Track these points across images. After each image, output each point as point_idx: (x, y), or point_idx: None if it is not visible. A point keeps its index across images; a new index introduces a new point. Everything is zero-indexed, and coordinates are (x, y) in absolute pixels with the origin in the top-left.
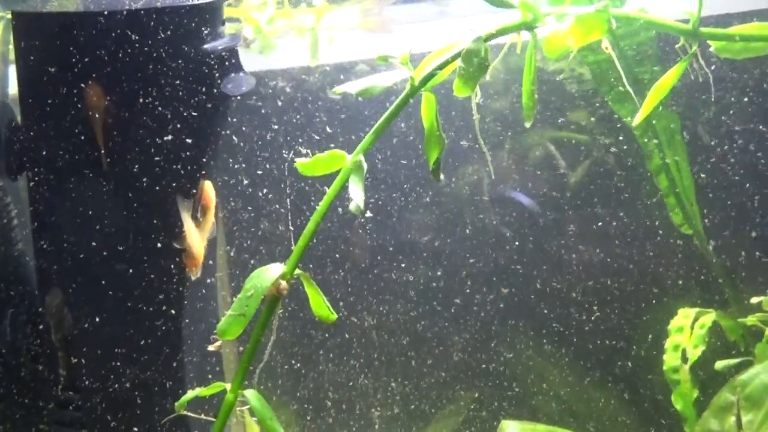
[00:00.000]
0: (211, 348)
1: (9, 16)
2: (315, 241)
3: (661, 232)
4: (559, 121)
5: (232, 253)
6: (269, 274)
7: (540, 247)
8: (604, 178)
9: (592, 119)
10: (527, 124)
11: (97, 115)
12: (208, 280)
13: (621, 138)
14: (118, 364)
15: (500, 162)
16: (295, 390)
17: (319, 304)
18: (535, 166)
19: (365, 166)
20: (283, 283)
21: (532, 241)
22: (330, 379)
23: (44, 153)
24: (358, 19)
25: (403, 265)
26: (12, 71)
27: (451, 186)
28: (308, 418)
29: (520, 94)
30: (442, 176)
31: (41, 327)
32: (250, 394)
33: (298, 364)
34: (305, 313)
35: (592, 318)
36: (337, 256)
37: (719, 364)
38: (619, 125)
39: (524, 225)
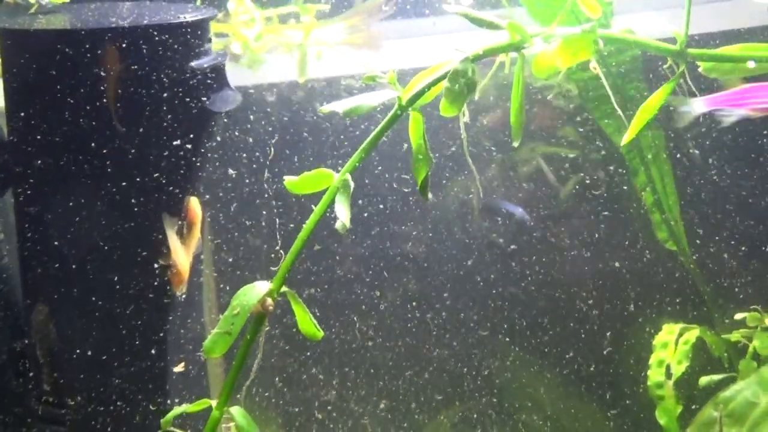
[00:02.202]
0: (176, 369)
1: None
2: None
3: (646, 247)
4: (548, 135)
5: (220, 268)
6: (256, 292)
7: (526, 263)
8: (591, 192)
9: (580, 134)
10: (515, 144)
11: (110, 77)
12: (194, 296)
13: (606, 153)
14: (104, 379)
15: (490, 175)
16: (279, 404)
17: (306, 322)
18: (525, 180)
19: (352, 185)
20: (269, 301)
21: (518, 257)
22: (314, 395)
23: (31, 168)
24: (346, 36)
25: (386, 277)
26: None
27: (440, 196)
28: None
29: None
30: (430, 195)
31: (26, 342)
32: (236, 411)
33: (283, 379)
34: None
35: (579, 333)
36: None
37: (703, 380)
38: (601, 142)
39: (510, 240)
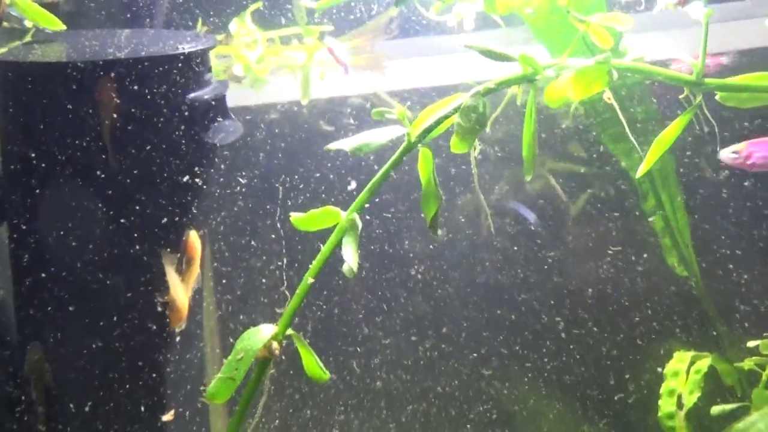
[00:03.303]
0: (165, 418)
1: None
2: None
3: (657, 272)
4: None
5: (220, 302)
6: (260, 336)
7: (534, 290)
8: (600, 212)
9: (588, 153)
10: (528, 177)
11: (105, 115)
12: (194, 331)
13: (614, 174)
14: (101, 417)
15: (499, 192)
16: None
17: (312, 365)
18: (535, 198)
19: (360, 224)
20: (275, 345)
21: (527, 284)
22: (319, 420)
23: (25, 203)
24: (350, 57)
25: (388, 296)
26: None
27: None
28: None
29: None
30: (440, 231)
31: (21, 379)
32: None
33: (288, 407)
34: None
35: (588, 361)
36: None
37: (715, 410)
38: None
39: (517, 262)
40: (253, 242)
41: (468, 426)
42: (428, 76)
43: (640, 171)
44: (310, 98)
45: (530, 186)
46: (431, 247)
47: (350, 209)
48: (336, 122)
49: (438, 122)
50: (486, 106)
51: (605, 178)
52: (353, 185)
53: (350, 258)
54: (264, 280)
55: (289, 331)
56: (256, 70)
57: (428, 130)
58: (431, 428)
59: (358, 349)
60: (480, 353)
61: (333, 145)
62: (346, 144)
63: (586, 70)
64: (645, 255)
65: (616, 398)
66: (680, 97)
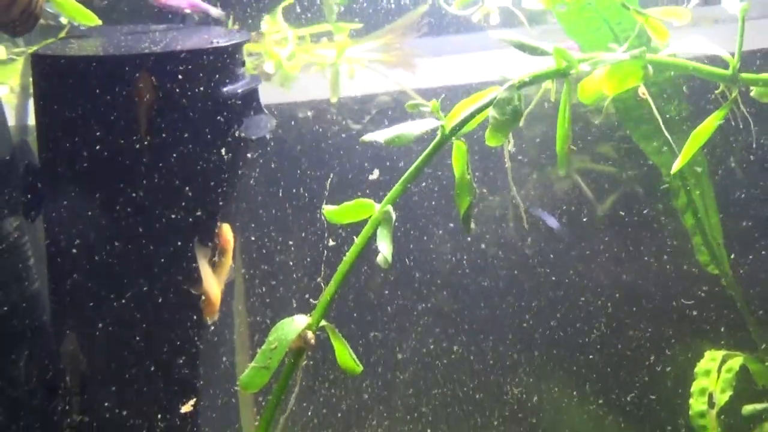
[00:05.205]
0: (183, 409)
1: (30, 50)
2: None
3: (688, 271)
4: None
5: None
6: (294, 326)
7: (562, 289)
8: (630, 211)
9: (618, 152)
10: (562, 172)
11: (142, 108)
12: (226, 327)
13: (646, 171)
14: (134, 409)
15: (527, 191)
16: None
17: (345, 357)
18: (562, 198)
19: (394, 216)
20: (310, 335)
21: (552, 277)
22: (341, 417)
23: (62, 194)
24: (380, 54)
25: (414, 297)
26: (31, 104)
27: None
28: None
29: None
30: (473, 225)
31: (56, 370)
32: None
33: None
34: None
35: (617, 360)
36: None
37: (747, 409)
38: (642, 160)
39: (544, 260)
40: (284, 236)
41: (497, 424)
42: (457, 73)
43: (675, 166)
44: (339, 97)
45: (558, 186)
46: (458, 242)
47: (384, 201)
48: (363, 120)
49: (472, 115)
50: (521, 99)
51: (633, 179)
52: (375, 174)
53: (385, 249)
54: (297, 276)
55: (323, 323)
56: (287, 67)
57: (462, 123)
58: (454, 422)
59: (380, 343)
60: (506, 350)
61: (368, 137)
62: (381, 135)
63: (621, 64)
64: (675, 254)
65: (645, 398)
66: (716, 92)
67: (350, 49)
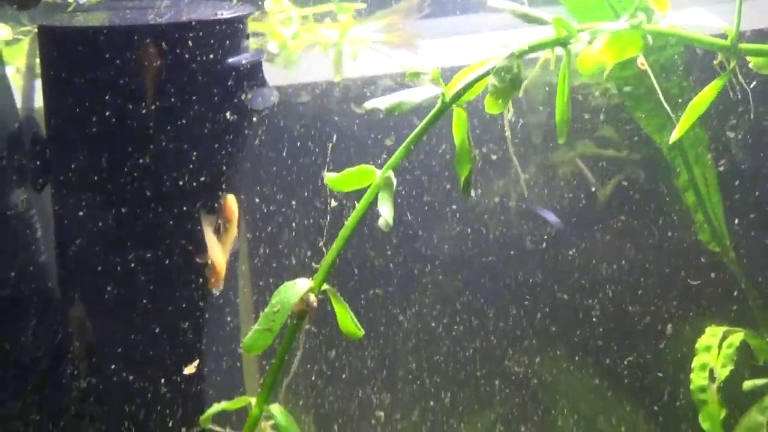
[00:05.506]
0: (186, 371)
1: (35, 29)
2: None
3: (689, 248)
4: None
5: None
6: (296, 289)
7: (563, 263)
8: (631, 192)
9: (619, 134)
10: (561, 141)
11: (148, 78)
12: (231, 293)
13: (647, 152)
14: (140, 377)
15: (528, 177)
16: (313, 401)
17: (347, 321)
18: (564, 181)
19: (395, 181)
20: (312, 297)
21: (556, 256)
22: (347, 395)
23: (69, 165)
24: (383, 35)
25: (422, 280)
26: (38, 84)
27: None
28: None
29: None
30: (473, 192)
31: (63, 339)
32: (276, 409)
33: (317, 377)
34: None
35: (618, 336)
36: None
37: (747, 385)
38: (638, 140)
39: (548, 237)
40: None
41: (497, 398)
42: (460, 54)
43: (674, 136)
44: (342, 77)
45: (560, 170)
46: (461, 220)
47: (385, 167)
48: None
49: (472, 83)
50: (521, 68)
51: (635, 162)
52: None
53: (386, 212)
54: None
55: (325, 286)
56: (290, 46)
57: (463, 90)
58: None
59: (384, 324)
60: (511, 328)
61: (369, 103)
62: (382, 102)
63: (621, 34)
64: (676, 233)
65: (647, 374)
66: (714, 63)
67: (353, 30)
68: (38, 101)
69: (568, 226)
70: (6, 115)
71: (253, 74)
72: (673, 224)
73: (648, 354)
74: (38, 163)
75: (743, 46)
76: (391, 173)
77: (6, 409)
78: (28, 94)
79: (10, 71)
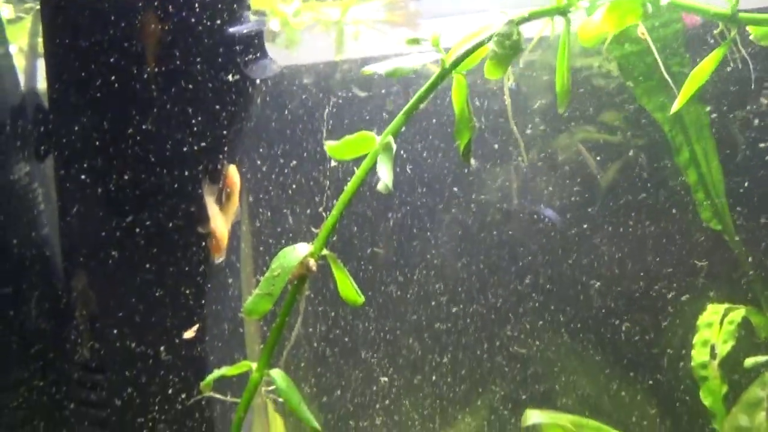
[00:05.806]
0: (186, 335)
1: (37, 6)
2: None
3: (690, 227)
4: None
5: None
6: (296, 254)
7: (565, 245)
8: (632, 174)
9: (621, 116)
10: (561, 110)
11: (149, 46)
12: (233, 262)
13: (648, 133)
14: (142, 344)
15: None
16: (312, 368)
17: (347, 286)
18: (566, 166)
19: (394, 147)
20: (312, 262)
21: (559, 236)
22: (351, 373)
23: (70, 132)
24: (384, 14)
25: (425, 264)
26: (40, 64)
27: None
28: (324, 399)
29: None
30: (473, 161)
31: (66, 310)
32: (277, 374)
33: (318, 346)
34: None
35: (620, 315)
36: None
37: (748, 362)
38: (644, 121)
39: (550, 221)
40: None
41: (498, 382)
42: (461, 34)
43: (675, 107)
44: (344, 56)
45: (561, 155)
46: (462, 207)
47: (385, 132)
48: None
49: (472, 49)
50: (520, 34)
51: (635, 144)
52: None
53: (385, 176)
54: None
55: (325, 251)
56: (292, 23)
57: (462, 57)
58: (464, 380)
59: (385, 310)
60: (512, 309)
61: (369, 68)
62: (381, 67)
63: (620, 1)
64: (677, 210)
65: (648, 352)
66: (715, 32)
67: (355, 8)
68: (41, 81)
69: (571, 208)
70: (9, 94)
71: (254, 44)
72: (674, 204)
73: (649, 332)
74: (40, 134)
75: (743, 15)
76: (390, 138)
77: (11, 376)
78: (31, 72)
79: (13, 50)
